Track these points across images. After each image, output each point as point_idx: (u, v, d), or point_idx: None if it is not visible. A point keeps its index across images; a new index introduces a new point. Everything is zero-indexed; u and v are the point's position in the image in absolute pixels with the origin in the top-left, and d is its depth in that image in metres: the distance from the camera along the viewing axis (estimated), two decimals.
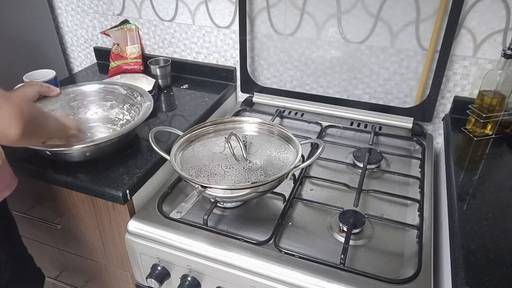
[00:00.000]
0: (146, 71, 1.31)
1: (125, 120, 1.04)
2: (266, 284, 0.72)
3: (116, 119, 1.05)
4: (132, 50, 1.33)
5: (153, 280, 0.81)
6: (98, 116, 1.05)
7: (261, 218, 0.84)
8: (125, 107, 1.04)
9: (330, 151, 1.04)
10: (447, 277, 0.69)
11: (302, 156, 0.94)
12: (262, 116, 1.19)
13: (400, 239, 0.78)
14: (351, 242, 0.76)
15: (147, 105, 0.96)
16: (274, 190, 0.81)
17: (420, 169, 0.96)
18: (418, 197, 0.86)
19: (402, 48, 1.05)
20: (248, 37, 1.19)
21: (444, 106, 1.10)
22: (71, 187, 0.87)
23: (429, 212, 0.83)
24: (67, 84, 1.08)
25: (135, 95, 1.02)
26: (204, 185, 0.73)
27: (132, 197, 0.85)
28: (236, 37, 1.23)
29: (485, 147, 0.94)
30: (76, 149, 0.84)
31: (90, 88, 1.06)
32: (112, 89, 1.05)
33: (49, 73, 1.10)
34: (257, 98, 1.24)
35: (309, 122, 1.15)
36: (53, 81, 1.09)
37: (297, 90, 1.22)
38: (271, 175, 0.78)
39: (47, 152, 0.85)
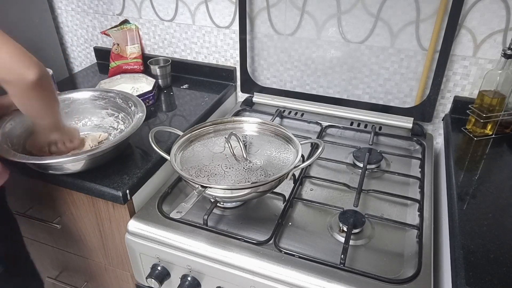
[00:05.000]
0: (146, 71, 1.31)
1: (119, 129, 1.00)
2: (266, 284, 0.72)
3: (110, 128, 1.02)
4: (132, 50, 1.33)
5: (153, 280, 0.81)
6: (93, 124, 1.03)
7: (261, 218, 0.84)
8: (120, 116, 1.01)
9: (330, 151, 1.04)
10: (447, 277, 0.69)
11: (302, 156, 0.94)
12: (262, 116, 1.19)
13: (400, 239, 0.78)
14: (351, 242, 0.76)
15: (139, 116, 0.91)
16: (274, 190, 0.81)
17: (420, 169, 0.96)
18: (418, 197, 0.86)
19: (402, 48, 1.05)
20: (248, 37, 1.19)
21: (444, 106, 1.10)
22: (71, 187, 0.87)
23: (429, 212, 0.83)
24: (67, 84, 1.08)
25: (130, 105, 0.98)
26: (204, 185, 0.73)
27: (132, 197, 0.85)
28: (236, 37, 1.23)
29: (485, 147, 0.94)
30: (64, 161, 0.81)
31: (84, 95, 1.02)
32: (108, 97, 1.01)
33: None
34: (257, 98, 1.24)
35: (309, 122, 1.15)
36: None
37: (297, 90, 1.22)
38: (271, 175, 0.78)
39: (31, 162, 0.82)
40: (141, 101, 0.97)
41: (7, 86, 0.68)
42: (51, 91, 0.76)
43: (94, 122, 1.03)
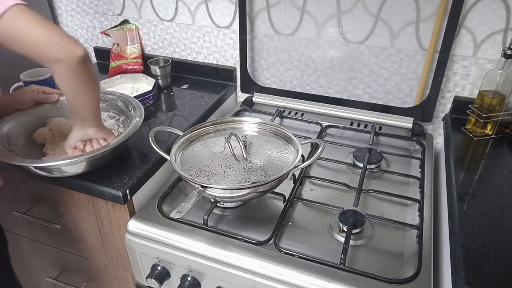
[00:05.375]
0: (146, 71, 1.31)
1: (119, 132, 0.99)
2: (266, 284, 0.72)
3: (111, 130, 0.99)
4: (132, 50, 1.33)
5: (153, 280, 0.81)
6: None
7: (261, 218, 0.84)
8: (120, 119, 1.00)
9: (330, 151, 1.04)
10: (447, 277, 0.69)
11: (302, 156, 0.94)
12: (262, 116, 1.19)
13: (400, 239, 0.78)
14: (351, 242, 0.76)
15: (136, 121, 0.90)
16: (274, 190, 0.81)
17: (420, 169, 0.96)
18: (418, 197, 0.86)
19: (402, 48, 1.05)
20: (248, 37, 1.19)
21: (444, 106, 1.10)
22: (71, 187, 0.87)
23: (429, 212, 0.83)
24: None
25: (130, 108, 0.97)
26: (204, 185, 0.73)
27: (132, 197, 0.85)
28: (236, 37, 1.23)
29: (485, 147, 0.94)
30: (63, 164, 0.81)
31: None
32: (109, 99, 1.01)
33: (45, 72, 1.09)
34: (257, 98, 1.24)
35: (309, 122, 1.15)
36: (50, 80, 1.08)
37: (297, 90, 1.22)
38: (271, 175, 0.78)
39: (32, 167, 0.81)
40: (141, 106, 0.95)
41: (58, 65, 0.70)
42: (95, 72, 0.78)
43: None
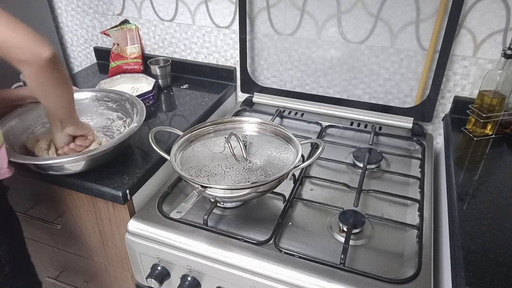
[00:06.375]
0: (146, 71, 1.31)
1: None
2: (266, 284, 0.72)
3: (117, 131, 1.01)
4: (132, 50, 1.33)
5: (153, 280, 0.81)
6: (103, 125, 1.02)
7: (261, 218, 0.84)
8: (127, 121, 1.00)
9: (330, 151, 1.04)
10: (447, 277, 0.69)
11: (302, 156, 0.94)
12: (262, 116, 1.19)
13: (400, 239, 0.78)
14: (351, 242, 0.76)
15: (133, 127, 0.89)
16: (274, 190, 0.81)
17: (420, 169, 0.96)
18: (418, 197, 0.86)
19: (402, 48, 1.05)
20: (248, 37, 1.19)
21: (444, 106, 1.10)
22: (71, 187, 0.87)
23: (429, 212, 0.83)
24: None
25: (134, 111, 0.96)
26: (204, 185, 0.73)
27: (132, 197, 0.85)
28: (236, 37, 1.23)
29: (485, 147, 0.94)
30: (64, 161, 0.81)
31: (97, 95, 1.02)
32: (119, 100, 1.00)
33: None
34: (257, 98, 1.24)
35: (309, 122, 1.15)
36: None
37: (297, 90, 1.22)
38: (271, 175, 0.78)
39: (31, 164, 0.81)
40: (144, 111, 0.94)
41: (24, 66, 0.67)
42: (66, 73, 0.75)
43: (104, 123, 1.03)
